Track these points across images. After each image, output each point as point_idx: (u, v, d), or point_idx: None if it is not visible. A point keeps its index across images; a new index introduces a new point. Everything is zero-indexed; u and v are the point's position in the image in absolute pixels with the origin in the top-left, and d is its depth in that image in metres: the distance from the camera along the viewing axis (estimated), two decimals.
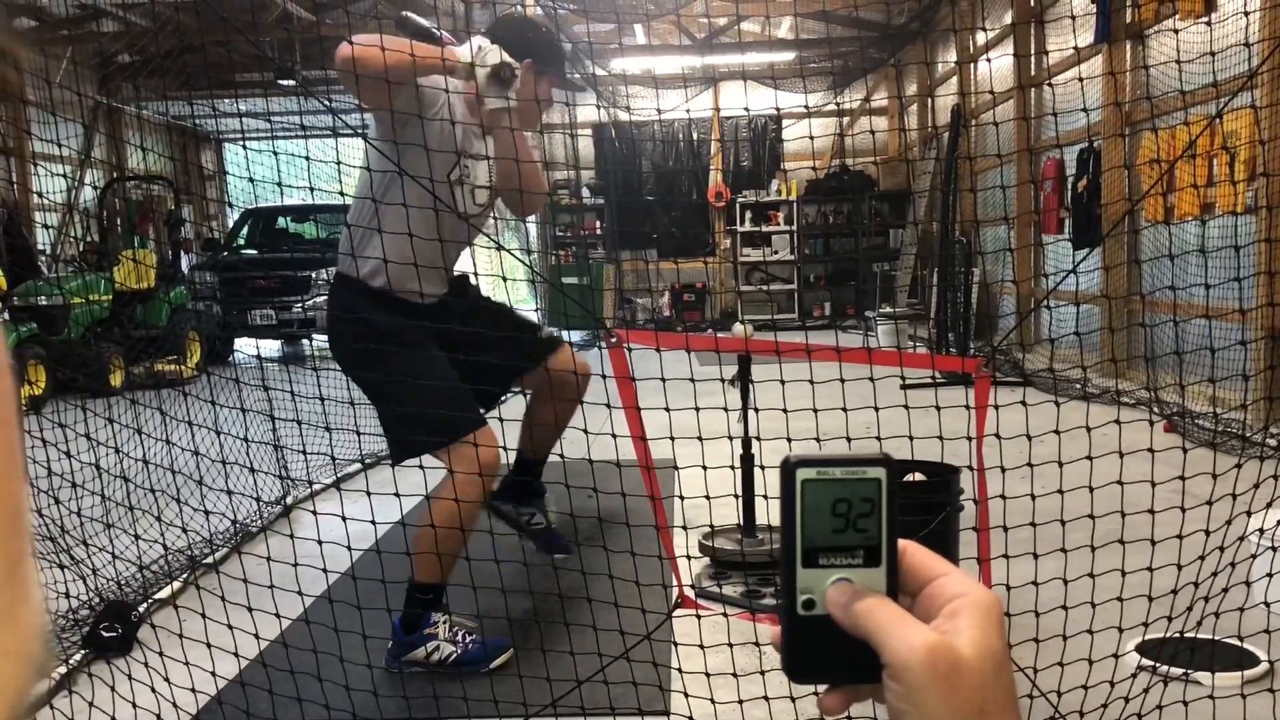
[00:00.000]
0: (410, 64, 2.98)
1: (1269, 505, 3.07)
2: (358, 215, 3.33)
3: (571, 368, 3.68)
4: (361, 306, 3.30)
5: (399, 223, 3.16)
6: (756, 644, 3.14)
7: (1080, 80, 7.88)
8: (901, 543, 0.63)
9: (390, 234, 3.17)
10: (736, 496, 3.89)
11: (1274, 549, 3.15)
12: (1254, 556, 3.29)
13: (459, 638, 3.32)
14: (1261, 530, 3.21)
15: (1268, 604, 3.10)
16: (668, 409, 2.90)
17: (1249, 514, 2.95)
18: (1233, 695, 2.81)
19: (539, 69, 3.39)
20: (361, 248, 3.29)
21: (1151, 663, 3.04)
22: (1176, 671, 2.96)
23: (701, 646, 3.05)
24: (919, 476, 3.40)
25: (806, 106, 10.43)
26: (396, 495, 3.11)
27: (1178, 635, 2.95)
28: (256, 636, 3.05)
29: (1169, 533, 2.71)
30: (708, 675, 2.94)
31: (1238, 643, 3.02)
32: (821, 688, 0.64)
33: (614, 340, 3.14)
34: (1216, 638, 2.99)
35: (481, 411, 3.41)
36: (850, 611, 0.60)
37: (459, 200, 3.34)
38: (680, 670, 3.13)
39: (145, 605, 3.73)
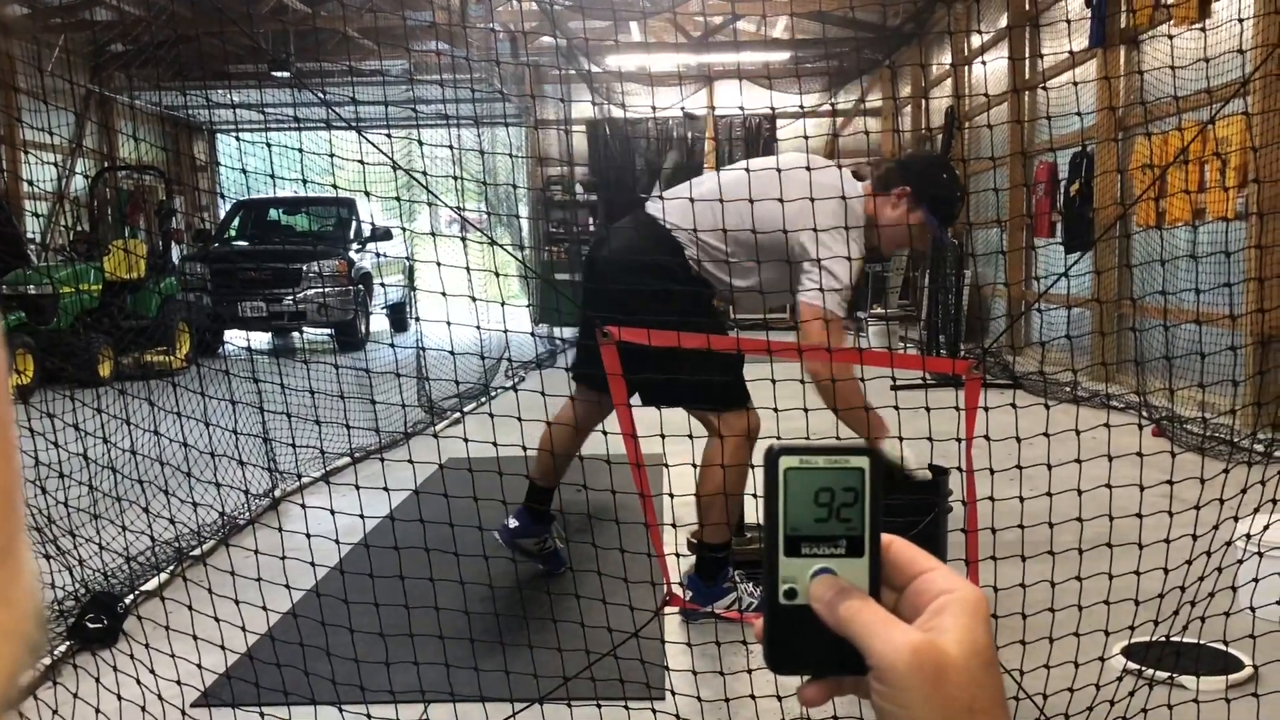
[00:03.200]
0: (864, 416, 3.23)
1: (1256, 510, 3.09)
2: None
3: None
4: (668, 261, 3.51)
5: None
6: (744, 642, 3.14)
7: (1074, 84, 7.89)
8: (887, 537, 0.63)
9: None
10: (726, 495, 3.89)
11: (1260, 554, 3.16)
12: (1240, 561, 3.30)
13: (752, 589, 3.59)
14: (1248, 535, 3.22)
15: (1253, 609, 3.11)
16: (658, 406, 2.90)
17: (1236, 519, 2.96)
18: (1217, 699, 2.82)
19: (923, 210, 3.52)
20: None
21: (1137, 666, 3.05)
22: (1162, 675, 2.97)
23: (689, 644, 3.06)
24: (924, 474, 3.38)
25: (801, 106, 10.43)
26: (385, 489, 3.10)
27: (1164, 639, 2.96)
28: (243, 630, 3.04)
29: (1156, 536, 2.72)
30: (694, 673, 2.94)
31: (1223, 647, 3.04)
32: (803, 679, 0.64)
33: (606, 337, 3.13)
34: (1202, 642, 3.00)
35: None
36: (834, 613, 0.60)
37: None
38: (668, 668, 3.13)
39: (132, 597, 3.72)
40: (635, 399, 3.39)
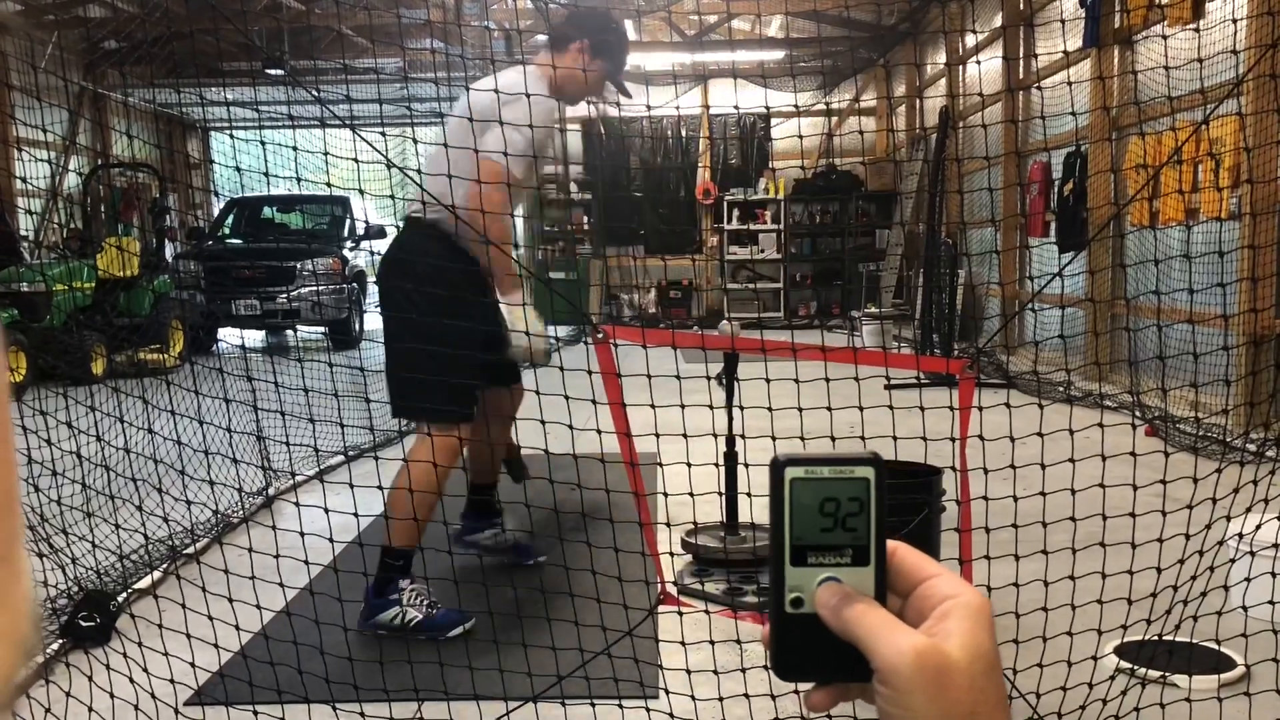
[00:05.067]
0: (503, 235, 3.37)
1: (1249, 510, 3.10)
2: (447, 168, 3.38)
3: (519, 392, 3.96)
4: (434, 250, 3.49)
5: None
6: (738, 641, 3.15)
7: (1069, 84, 7.92)
8: (891, 543, 0.63)
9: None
10: (720, 494, 3.90)
11: (1252, 554, 3.17)
12: (1233, 561, 3.32)
13: (422, 604, 3.46)
14: (1240, 535, 3.24)
15: (1245, 608, 3.12)
16: (653, 405, 2.90)
17: (1229, 518, 2.97)
18: (1209, 698, 2.84)
19: (594, 55, 3.69)
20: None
21: (1130, 665, 3.06)
22: (1154, 674, 2.98)
23: (683, 643, 3.06)
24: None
25: (795, 105, 10.45)
26: (380, 488, 3.10)
27: (1156, 638, 2.97)
28: (237, 628, 3.04)
29: (1149, 536, 2.73)
30: (689, 672, 2.95)
31: (1215, 646, 3.05)
32: (808, 685, 0.64)
33: (600, 336, 3.13)
34: (1194, 641, 3.01)
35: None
36: (839, 616, 0.61)
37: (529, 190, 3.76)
38: (662, 667, 3.13)
39: (125, 595, 3.71)
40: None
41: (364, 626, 3.46)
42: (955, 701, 0.57)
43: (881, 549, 0.63)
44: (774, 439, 2.94)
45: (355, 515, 3.14)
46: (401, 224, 3.71)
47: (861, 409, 2.84)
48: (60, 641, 3.37)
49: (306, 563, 3.09)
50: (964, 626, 0.58)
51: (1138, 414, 6.08)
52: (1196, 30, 6.37)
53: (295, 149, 3.53)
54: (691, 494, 3.30)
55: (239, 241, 13.76)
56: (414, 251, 3.56)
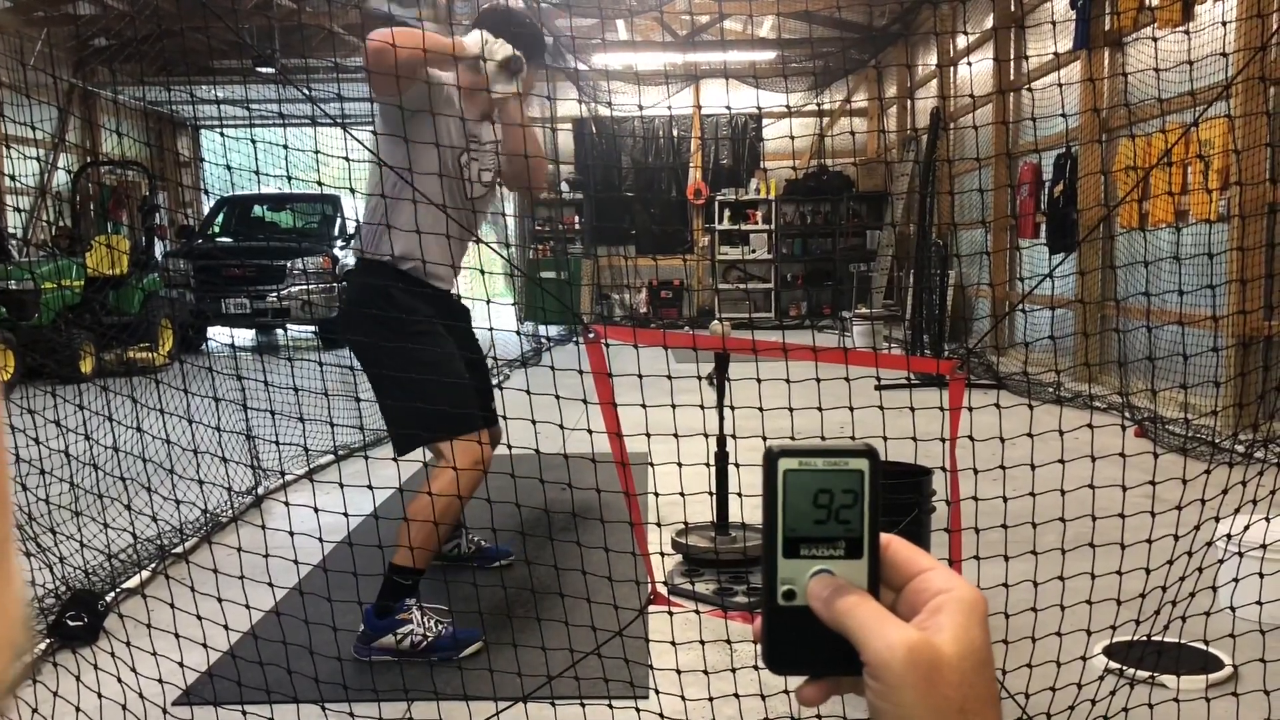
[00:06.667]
0: (421, 54, 3.15)
1: (1237, 511, 3.11)
2: (372, 207, 3.47)
3: (492, 443, 3.72)
4: (381, 288, 3.42)
5: (410, 210, 3.32)
6: (728, 641, 3.14)
7: (1059, 86, 7.94)
8: (885, 536, 0.63)
9: (405, 217, 3.35)
10: (710, 494, 3.90)
11: (1241, 554, 3.19)
12: (1221, 561, 3.33)
13: (432, 624, 3.34)
14: (1229, 536, 3.25)
15: (1233, 608, 3.14)
16: (644, 405, 2.90)
17: (1217, 519, 2.98)
18: (1197, 698, 2.84)
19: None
20: (378, 235, 3.46)
21: (1118, 665, 3.06)
22: (1143, 674, 2.99)
23: (673, 643, 3.06)
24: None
25: (787, 106, 10.47)
26: (369, 487, 3.09)
27: (1145, 639, 2.98)
28: (226, 628, 3.03)
29: (1138, 537, 2.73)
30: (679, 672, 2.94)
31: (1203, 646, 3.06)
32: (799, 679, 0.64)
33: (591, 336, 3.13)
34: (1183, 641, 3.02)
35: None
36: (831, 608, 0.60)
37: (465, 187, 3.54)
38: (652, 666, 3.13)
39: (113, 594, 3.70)
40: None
41: (364, 653, 3.31)
42: (945, 697, 0.56)
43: (875, 542, 0.62)
44: (764, 439, 2.93)
45: (345, 515, 3.13)
46: (354, 265, 3.66)
47: (852, 409, 2.84)
48: (48, 641, 3.36)
49: (296, 562, 3.08)
50: (956, 621, 0.58)
51: (1127, 415, 6.10)
52: (1186, 33, 6.39)
53: (286, 147, 3.52)
54: (682, 494, 3.30)
55: (229, 240, 13.72)
56: (367, 294, 3.47)
